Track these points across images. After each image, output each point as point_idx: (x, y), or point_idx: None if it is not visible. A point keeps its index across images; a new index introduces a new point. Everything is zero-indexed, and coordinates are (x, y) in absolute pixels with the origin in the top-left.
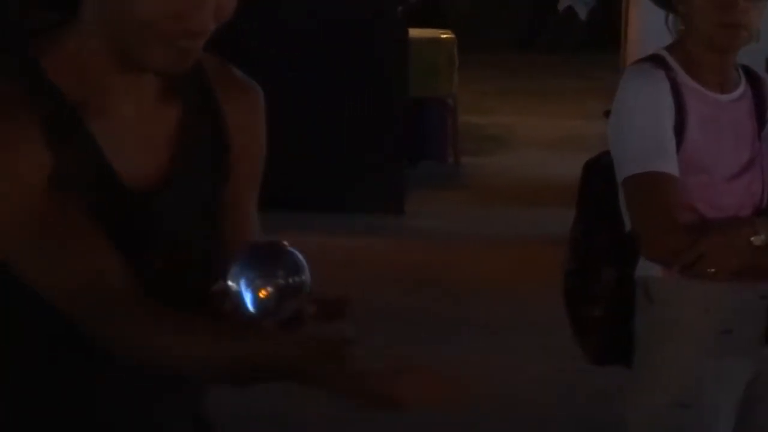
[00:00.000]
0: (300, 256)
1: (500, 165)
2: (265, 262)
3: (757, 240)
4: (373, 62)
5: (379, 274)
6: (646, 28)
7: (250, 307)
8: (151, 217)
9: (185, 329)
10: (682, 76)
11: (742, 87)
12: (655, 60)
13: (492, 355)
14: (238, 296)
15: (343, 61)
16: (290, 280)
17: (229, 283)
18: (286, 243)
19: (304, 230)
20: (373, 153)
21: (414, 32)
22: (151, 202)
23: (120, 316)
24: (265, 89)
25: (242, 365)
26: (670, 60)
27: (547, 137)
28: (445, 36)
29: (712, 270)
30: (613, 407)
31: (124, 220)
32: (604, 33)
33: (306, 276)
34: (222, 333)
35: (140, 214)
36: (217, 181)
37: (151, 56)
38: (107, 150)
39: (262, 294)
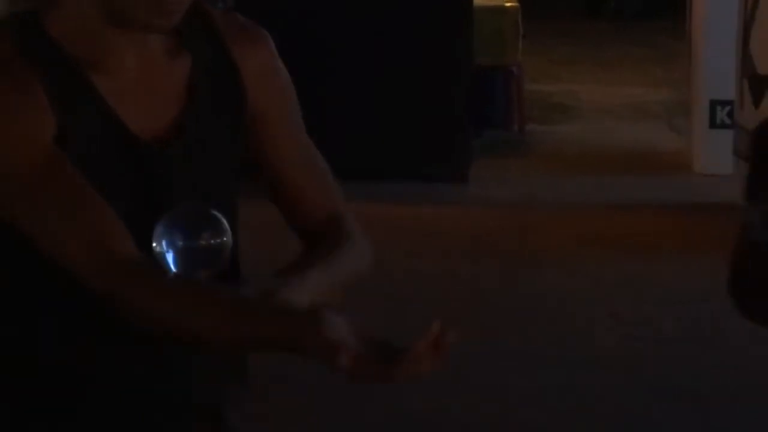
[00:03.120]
0: (222, 219)
1: (565, 132)
2: (187, 224)
3: None
4: (439, 32)
5: (445, 241)
6: None
7: (171, 266)
8: (164, 165)
9: (186, 297)
10: None
11: None
12: None
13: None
14: (161, 256)
15: (410, 32)
16: (212, 242)
17: (154, 244)
18: (208, 206)
19: (371, 199)
20: (439, 121)
21: (479, 1)
22: (162, 152)
23: (121, 279)
24: (336, 62)
25: (241, 337)
26: None
27: (611, 104)
28: (509, 4)
29: None
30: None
31: (137, 170)
32: (665, 1)
33: (227, 238)
34: (223, 305)
35: (152, 162)
36: (238, 129)
37: (136, 13)
38: (113, 103)
39: (181, 255)
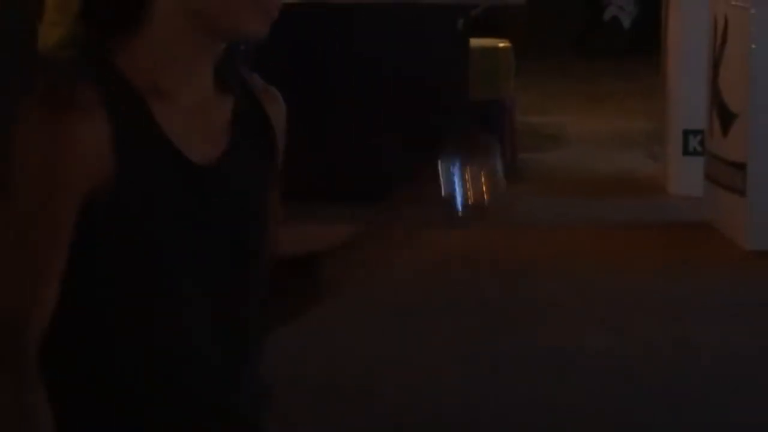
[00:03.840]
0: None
1: (554, 160)
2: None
3: None
4: (438, 69)
5: (450, 257)
6: (684, 35)
7: (458, 209)
8: (215, 188)
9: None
10: None
11: None
12: None
13: (549, 325)
14: (453, 200)
15: (411, 70)
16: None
17: (442, 164)
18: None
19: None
20: (438, 150)
21: (475, 42)
22: (213, 175)
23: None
24: (340, 93)
25: None
26: None
27: (596, 134)
28: (502, 45)
29: None
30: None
31: (190, 192)
32: (646, 39)
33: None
34: None
35: (204, 185)
36: (267, 172)
37: (248, 21)
38: (168, 129)
39: (467, 175)
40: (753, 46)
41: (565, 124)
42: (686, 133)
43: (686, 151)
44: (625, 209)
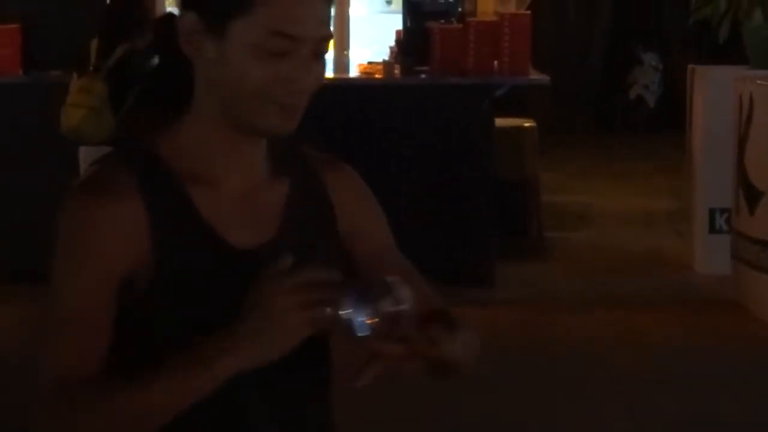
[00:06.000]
0: (404, 290)
1: (580, 238)
2: (373, 294)
3: None
4: (465, 148)
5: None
6: (709, 114)
7: (357, 332)
8: (252, 271)
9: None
10: None
11: None
12: None
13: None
14: (350, 323)
15: (436, 149)
16: (392, 310)
17: (340, 312)
18: (390, 279)
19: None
20: (465, 229)
21: (499, 121)
22: (260, 263)
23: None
24: (368, 172)
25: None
26: None
27: (621, 212)
28: (527, 124)
29: None
30: None
31: (233, 279)
32: (671, 118)
33: (408, 306)
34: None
35: (249, 272)
36: (324, 249)
37: (265, 118)
38: (209, 215)
39: (369, 321)
40: None
41: (590, 202)
42: (712, 212)
43: (712, 230)
44: (651, 287)
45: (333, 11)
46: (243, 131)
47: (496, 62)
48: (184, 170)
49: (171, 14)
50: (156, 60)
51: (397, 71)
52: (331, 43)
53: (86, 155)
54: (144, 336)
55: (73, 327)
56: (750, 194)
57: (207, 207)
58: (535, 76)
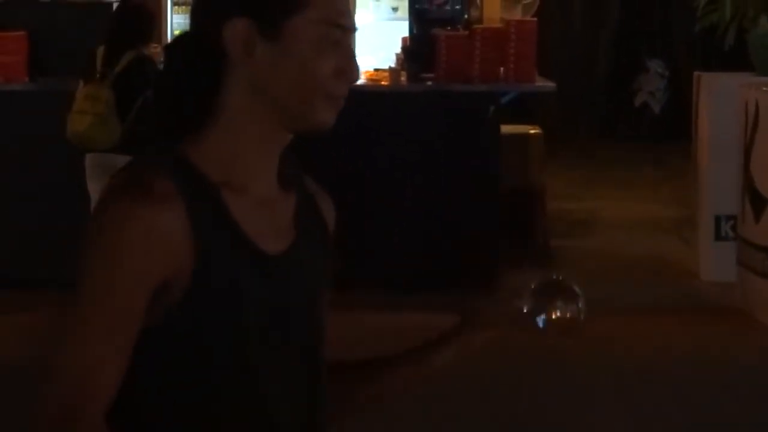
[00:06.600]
0: (577, 289)
1: (586, 245)
2: (556, 292)
3: None
4: (470, 155)
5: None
6: (715, 121)
7: (540, 324)
8: (284, 277)
9: None
10: None
11: None
12: None
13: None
14: (532, 314)
15: (445, 155)
16: (570, 307)
17: (525, 306)
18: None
19: (413, 306)
20: (471, 237)
21: (505, 128)
22: (282, 264)
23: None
24: (369, 182)
25: None
26: None
27: (628, 220)
28: (533, 131)
29: None
30: None
31: (264, 280)
32: (676, 125)
33: (582, 304)
34: None
35: (273, 272)
36: (324, 267)
37: (321, 112)
38: (242, 221)
39: (553, 315)
40: None
41: (596, 209)
42: (718, 219)
43: (718, 237)
44: (656, 295)
45: None
46: (296, 128)
47: (502, 69)
48: (214, 175)
49: (187, 33)
50: (164, 67)
51: (403, 78)
52: None
53: (92, 162)
54: (183, 343)
55: (97, 333)
56: (756, 201)
57: (238, 213)
58: (541, 83)
